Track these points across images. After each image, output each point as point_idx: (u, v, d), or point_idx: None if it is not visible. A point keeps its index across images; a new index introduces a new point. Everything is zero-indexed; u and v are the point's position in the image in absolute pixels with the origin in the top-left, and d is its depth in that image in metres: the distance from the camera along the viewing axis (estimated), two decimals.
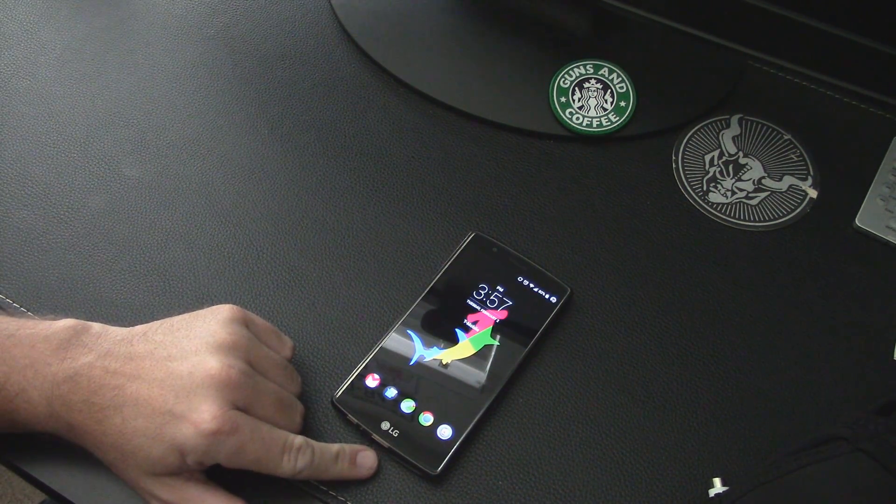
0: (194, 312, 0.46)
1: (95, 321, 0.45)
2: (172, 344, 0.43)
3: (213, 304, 0.47)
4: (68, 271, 0.54)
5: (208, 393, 0.41)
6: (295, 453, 0.44)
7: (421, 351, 0.51)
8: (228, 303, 0.47)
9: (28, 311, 0.52)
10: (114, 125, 0.61)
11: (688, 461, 0.49)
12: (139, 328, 0.45)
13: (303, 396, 0.49)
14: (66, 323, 0.44)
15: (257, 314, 0.48)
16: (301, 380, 0.48)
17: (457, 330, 0.52)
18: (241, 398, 0.42)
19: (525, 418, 0.50)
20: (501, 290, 0.53)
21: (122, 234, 0.56)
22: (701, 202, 0.60)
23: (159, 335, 0.44)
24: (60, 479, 0.46)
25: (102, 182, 0.58)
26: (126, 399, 0.41)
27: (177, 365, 0.42)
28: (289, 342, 0.49)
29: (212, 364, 0.42)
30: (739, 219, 0.59)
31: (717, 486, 0.46)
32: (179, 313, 0.46)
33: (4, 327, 0.43)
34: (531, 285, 0.54)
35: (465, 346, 0.51)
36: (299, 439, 0.44)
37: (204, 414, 0.40)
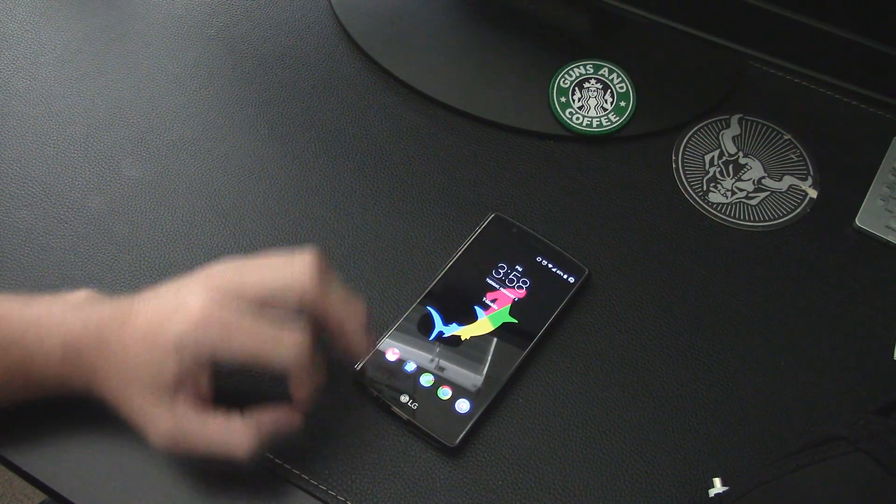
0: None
1: None
2: (173, 289, 0.45)
3: None
4: (68, 271, 0.54)
5: (194, 289, 0.43)
6: (288, 332, 0.43)
7: (440, 327, 0.52)
8: None
9: None
10: (114, 125, 0.61)
11: (688, 461, 0.49)
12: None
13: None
14: (80, 292, 0.47)
15: None
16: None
17: (476, 307, 0.53)
18: (226, 284, 0.44)
19: (524, 418, 0.50)
20: (520, 269, 0.54)
21: (122, 234, 0.56)
22: (701, 202, 0.60)
23: (161, 288, 0.46)
24: (60, 479, 0.46)
25: (102, 182, 0.58)
26: (127, 326, 0.44)
27: (173, 294, 0.45)
28: None
29: (201, 271, 0.45)
30: (739, 219, 0.59)
31: (717, 486, 0.46)
32: None
33: (19, 298, 0.46)
34: (549, 265, 0.55)
35: (484, 323, 0.52)
36: (289, 325, 0.44)
37: (190, 307, 0.43)
